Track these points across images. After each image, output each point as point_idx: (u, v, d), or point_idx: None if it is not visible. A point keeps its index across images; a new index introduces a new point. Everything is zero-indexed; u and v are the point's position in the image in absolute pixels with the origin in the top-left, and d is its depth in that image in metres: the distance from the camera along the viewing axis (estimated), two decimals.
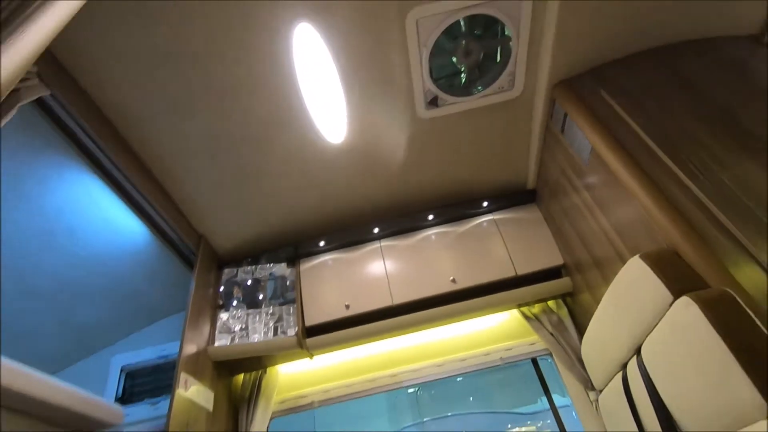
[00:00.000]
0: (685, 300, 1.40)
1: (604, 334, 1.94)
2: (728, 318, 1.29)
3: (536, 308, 2.79)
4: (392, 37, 2.16)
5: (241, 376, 2.87)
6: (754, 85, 2.00)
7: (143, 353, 3.12)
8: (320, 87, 2.29)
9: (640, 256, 1.64)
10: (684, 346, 1.39)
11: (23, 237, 2.47)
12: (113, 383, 3.01)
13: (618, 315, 1.81)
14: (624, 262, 1.75)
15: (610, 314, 1.87)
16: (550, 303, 2.81)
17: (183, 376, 2.23)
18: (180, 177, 2.54)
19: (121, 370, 3.08)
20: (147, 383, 3.08)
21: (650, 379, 1.57)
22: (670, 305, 1.49)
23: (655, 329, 1.58)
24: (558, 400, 2.72)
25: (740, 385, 1.18)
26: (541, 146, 2.68)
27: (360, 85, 2.32)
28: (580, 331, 2.63)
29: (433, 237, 3.00)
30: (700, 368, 1.32)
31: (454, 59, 2.33)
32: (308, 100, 2.32)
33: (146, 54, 1.99)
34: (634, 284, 1.67)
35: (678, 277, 1.53)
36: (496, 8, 2.14)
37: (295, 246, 3.04)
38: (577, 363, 2.53)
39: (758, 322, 1.29)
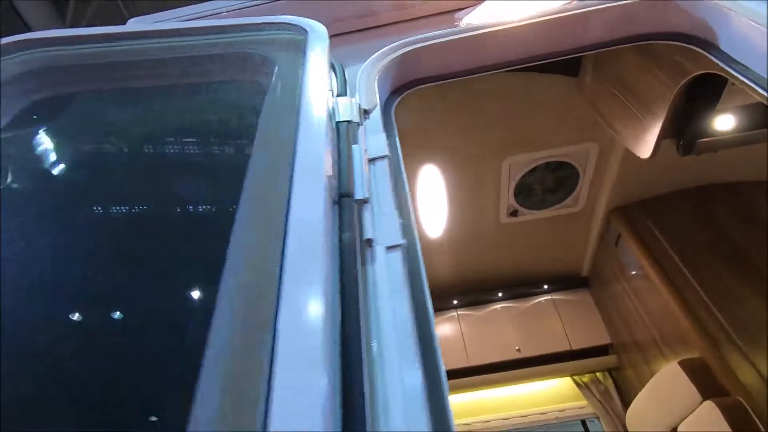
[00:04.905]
0: (709, 403, 2.05)
1: (647, 413, 2.57)
2: (738, 422, 1.93)
3: (586, 377, 3.41)
4: (489, 173, 2.93)
5: None
6: (764, 228, 2.63)
7: None
8: (430, 200, 3.08)
9: (679, 363, 2.30)
10: None
11: None
12: None
13: (658, 400, 2.45)
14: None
15: (652, 398, 2.52)
16: (598, 374, 3.42)
17: None
18: None
19: None
20: None
21: None
22: (699, 404, 2.14)
23: (687, 418, 2.22)
24: None
25: None
26: (596, 248, 3.36)
27: (460, 200, 3.10)
28: (624, 400, 3.23)
29: (499, 309, 3.69)
30: None
31: (534, 185, 3.08)
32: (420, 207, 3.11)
33: None
34: (672, 382, 2.33)
35: (705, 383, 2.18)
36: (569, 156, 2.89)
37: None
38: (622, 428, 3.13)
39: (760, 426, 1.93)
